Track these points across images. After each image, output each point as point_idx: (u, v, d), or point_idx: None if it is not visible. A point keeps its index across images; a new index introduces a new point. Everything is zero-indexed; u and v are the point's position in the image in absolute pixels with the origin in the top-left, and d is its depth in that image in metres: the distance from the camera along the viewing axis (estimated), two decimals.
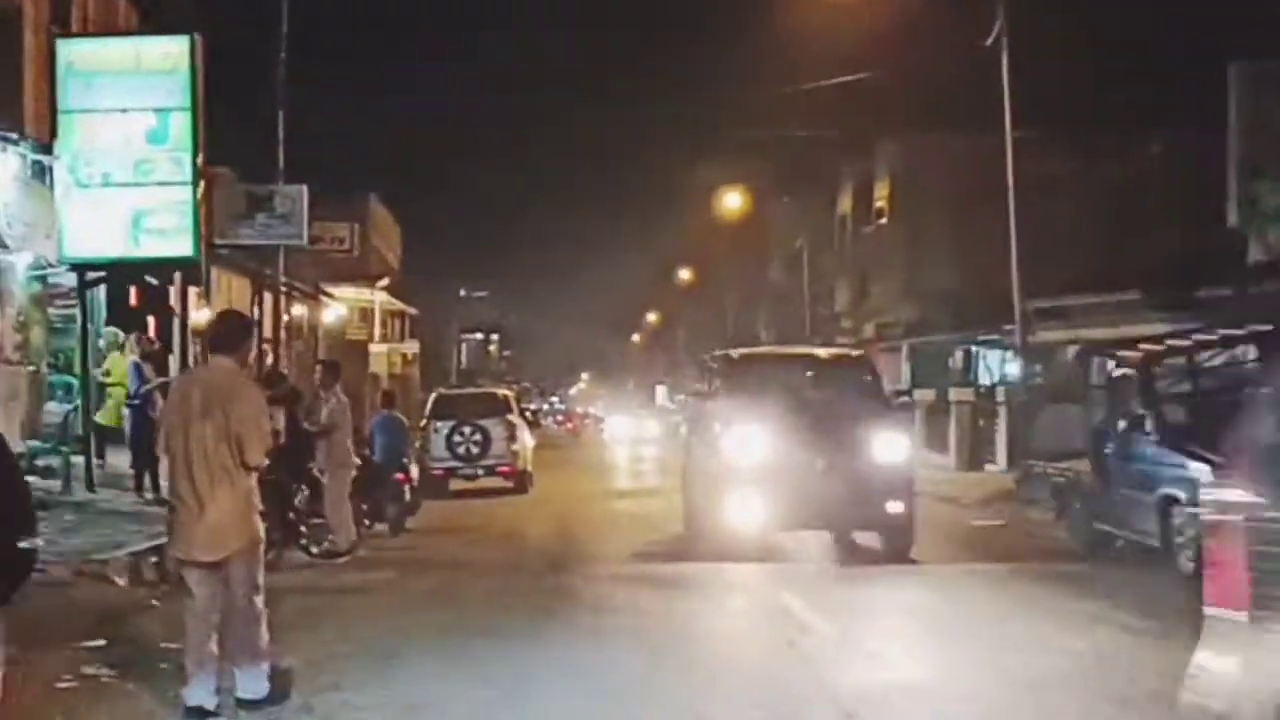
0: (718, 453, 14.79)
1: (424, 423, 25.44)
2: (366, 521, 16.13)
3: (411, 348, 42.09)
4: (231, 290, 26.58)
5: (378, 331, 37.95)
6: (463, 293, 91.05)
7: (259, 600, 7.72)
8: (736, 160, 63.21)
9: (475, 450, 24.94)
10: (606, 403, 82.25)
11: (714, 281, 76.48)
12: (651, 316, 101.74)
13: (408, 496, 18.39)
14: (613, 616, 11.13)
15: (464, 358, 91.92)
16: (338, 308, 34.35)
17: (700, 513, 15.37)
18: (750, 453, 14.31)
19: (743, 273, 70.78)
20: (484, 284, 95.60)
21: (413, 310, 43.22)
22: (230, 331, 7.99)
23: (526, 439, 26.47)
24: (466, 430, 24.92)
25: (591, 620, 10.92)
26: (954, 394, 30.45)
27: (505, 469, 25.25)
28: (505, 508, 22.70)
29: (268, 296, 27.07)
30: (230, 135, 26.55)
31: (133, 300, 21.31)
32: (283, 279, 25.98)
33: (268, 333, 27.09)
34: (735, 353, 18.47)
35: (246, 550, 7.64)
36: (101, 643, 9.60)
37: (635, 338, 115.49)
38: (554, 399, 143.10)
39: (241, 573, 7.61)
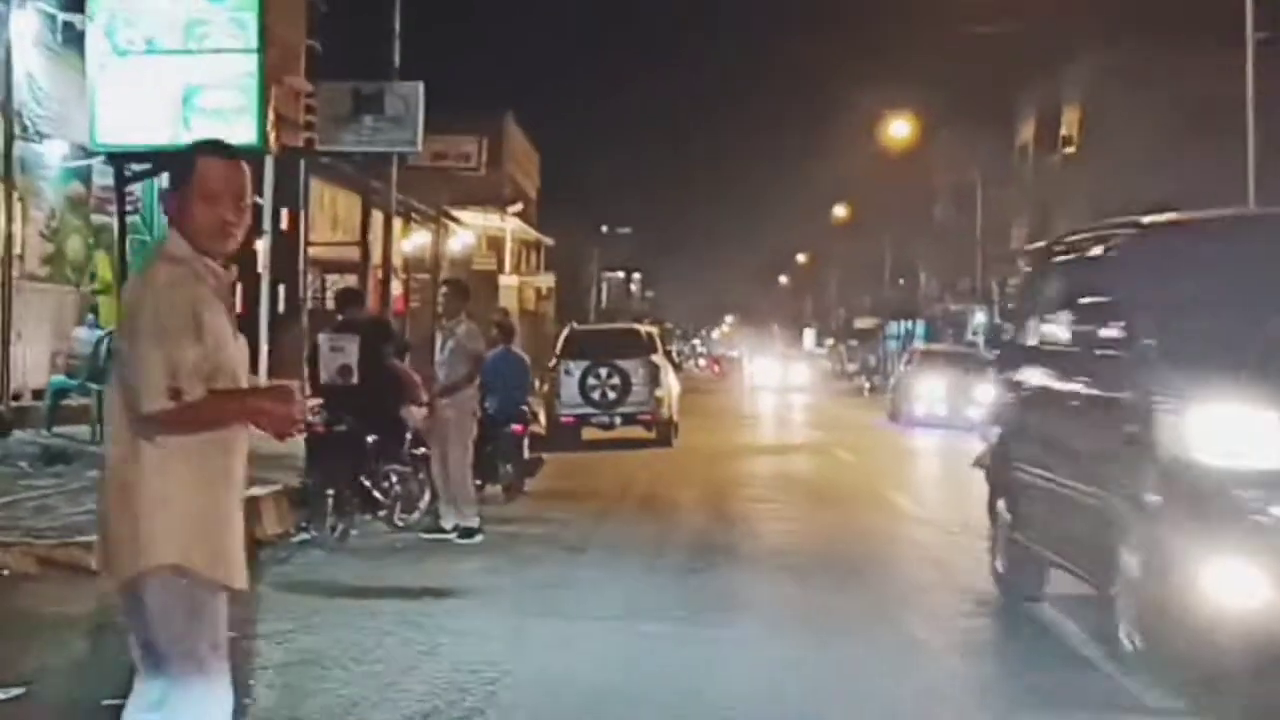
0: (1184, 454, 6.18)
1: (553, 363, 21.91)
2: (477, 481, 12.57)
3: (546, 281, 38.62)
4: (337, 207, 23.26)
5: (508, 263, 34.52)
6: (604, 229, 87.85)
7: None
8: (902, 90, 58.25)
9: (612, 395, 21.34)
10: (751, 346, 78.24)
11: (871, 219, 71.71)
12: (801, 257, 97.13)
13: (526, 453, 14.78)
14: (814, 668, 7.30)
15: (604, 296, 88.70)
16: (464, 234, 30.97)
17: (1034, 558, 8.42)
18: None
19: (904, 210, 65.99)
20: (627, 220, 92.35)
21: (549, 240, 39.65)
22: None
23: (672, 383, 22.74)
24: (603, 372, 21.31)
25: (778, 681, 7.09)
26: None
27: (646, 417, 21.59)
28: (645, 463, 19.06)
29: (378, 216, 23.63)
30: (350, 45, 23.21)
31: None
32: (397, 196, 22.44)
33: (378, 259, 23.74)
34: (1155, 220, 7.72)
35: (148, 587, 3.90)
36: (16, 692, 6.14)
37: (783, 279, 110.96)
38: (696, 342, 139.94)
39: (143, 624, 3.91)
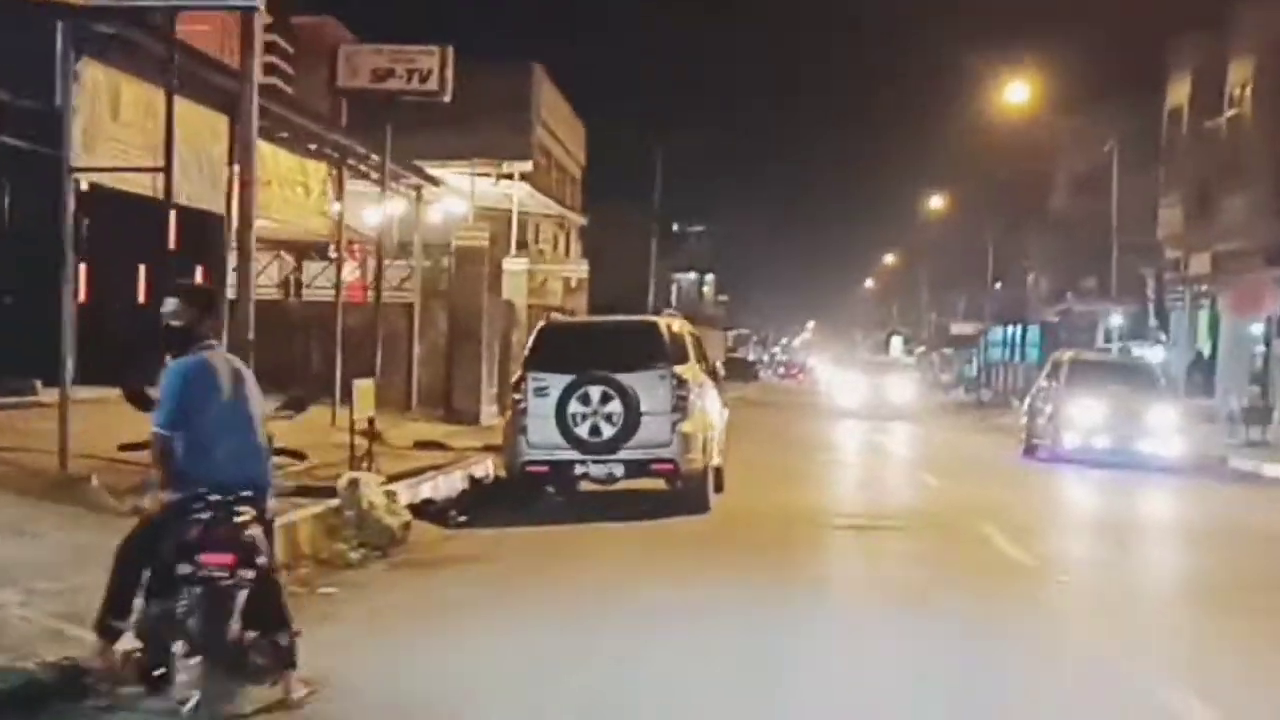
0: None
1: (518, 377, 13.38)
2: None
3: (577, 270, 30.11)
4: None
5: (514, 239, 26.02)
6: (675, 226, 79.40)
7: None
8: (1016, 54, 48.67)
9: (610, 429, 12.80)
10: (835, 354, 69.06)
11: (971, 213, 62.44)
12: (889, 258, 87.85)
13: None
14: None
15: (674, 299, 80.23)
16: (453, 199, 22.61)
17: None
18: None
19: (1011, 201, 56.71)
20: (700, 218, 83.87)
21: (577, 218, 31.06)
22: None
23: (712, 410, 14.07)
24: (595, 392, 12.77)
25: None
26: None
27: (666, 466, 12.99)
28: (649, 555, 10.60)
29: (276, 158, 15.34)
30: None
31: None
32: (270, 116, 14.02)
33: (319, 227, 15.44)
34: None
35: None
36: None
37: (868, 283, 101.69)
38: (776, 349, 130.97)
39: None
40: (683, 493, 13.19)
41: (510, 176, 24.35)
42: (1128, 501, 17.18)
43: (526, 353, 13.37)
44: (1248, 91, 32.73)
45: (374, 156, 18.59)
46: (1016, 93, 43.44)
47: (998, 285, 63.24)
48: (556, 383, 12.92)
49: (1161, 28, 38.28)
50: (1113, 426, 21.17)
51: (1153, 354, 33.84)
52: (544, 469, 13.04)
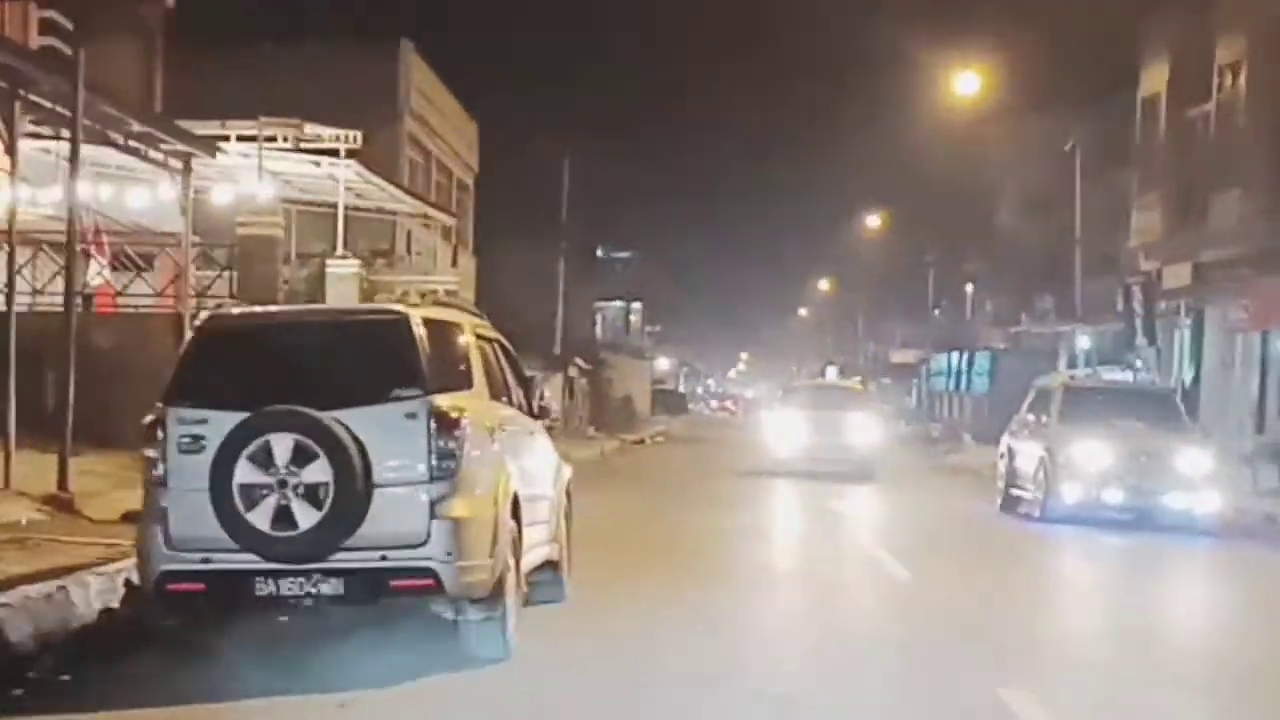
0: None
1: (149, 419, 7.13)
2: None
3: (443, 281, 23.90)
4: None
5: (340, 236, 19.65)
6: (600, 253, 73.54)
7: None
8: (955, 58, 43.20)
9: (308, 514, 6.68)
10: (780, 381, 63.05)
11: (909, 232, 56.98)
12: (823, 284, 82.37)
13: None
14: None
15: (599, 330, 74.27)
16: (240, 176, 16.34)
17: None
18: None
19: (954, 216, 51.24)
20: (625, 245, 78.06)
21: (446, 219, 24.82)
22: None
23: (526, 472, 7.96)
24: (281, 446, 6.67)
25: None
26: None
27: (417, 581, 6.79)
28: None
29: None
30: None
31: None
32: None
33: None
34: None
35: None
36: None
37: (802, 312, 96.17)
38: (709, 381, 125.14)
39: None
40: (459, 628, 7.05)
41: (334, 153, 18.16)
42: (1204, 595, 11.27)
43: (172, 373, 7.12)
44: (1240, 74, 27.27)
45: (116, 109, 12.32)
46: (960, 91, 37.88)
47: (936, 311, 57.84)
48: (218, 427, 6.77)
49: (1125, 17, 32.97)
50: (1128, 475, 15.29)
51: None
52: (196, 586, 6.84)
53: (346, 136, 17.77)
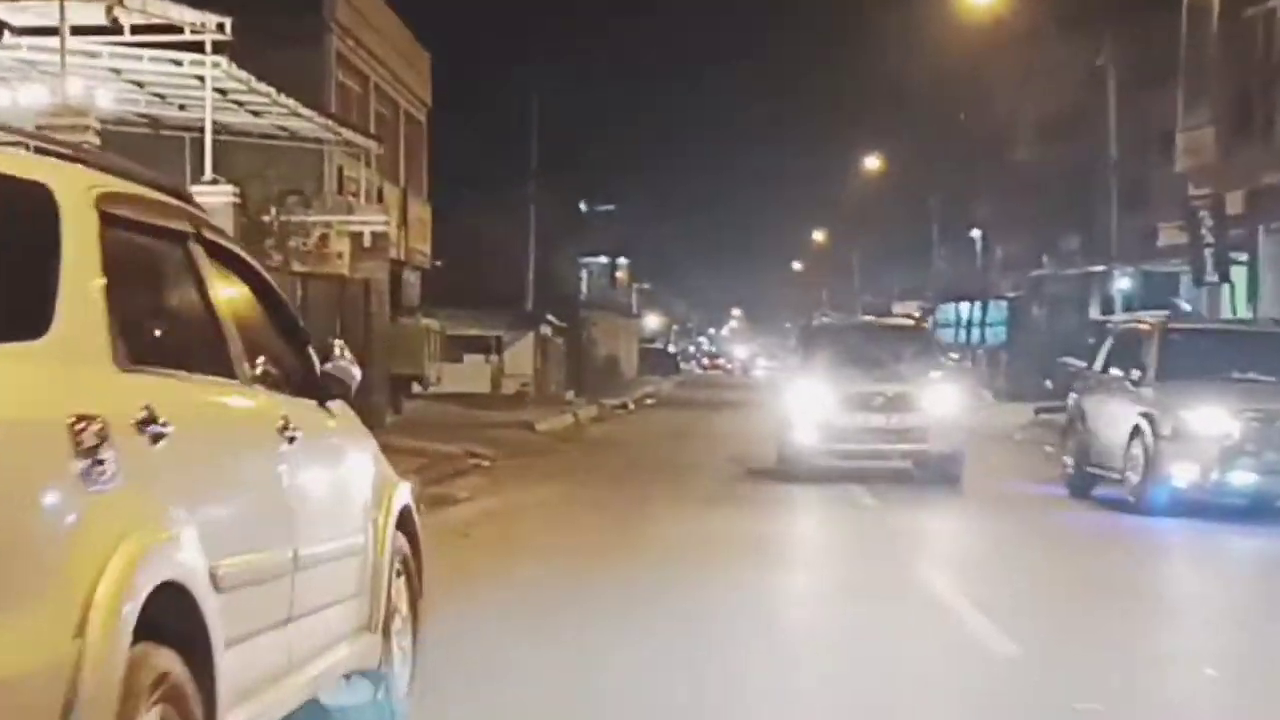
0: None
1: None
2: None
3: (371, 222, 19.37)
4: None
5: (209, 157, 15.07)
6: (583, 206, 69.05)
7: None
8: None
9: None
10: (766, 344, 58.78)
11: (910, 173, 52.41)
12: (818, 235, 77.92)
13: None
14: None
15: (584, 287, 69.99)
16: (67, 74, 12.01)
17: None
18: None
19: (959, 154, 46.71)
20: (610, 198, 73.44)
21: (367, 142, 20.26)
22: None
23: (316, 521, 3.68)
24: None
25: None
26: None
27: None
28: None
29: None
30: None
31: None
32: None
33: None
34: None
35: None
36: None
37: (796, 265, 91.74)
38: (702, 339, 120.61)
39: None
40: None
41: (199, 48, 13.71)
42: None
43: None
44: None
45: None
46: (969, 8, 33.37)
47: (938, 260, 53.41)
48: None
49: None
50: (1265, 448, 10.98)
51: None
52: None
53: (205, 24, 13.31)
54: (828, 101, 79.93)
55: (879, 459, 15.01)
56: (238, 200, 14.08)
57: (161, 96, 16.48)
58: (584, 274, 71.09)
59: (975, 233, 49.09)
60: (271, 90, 14.94)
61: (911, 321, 20.58)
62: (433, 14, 35.00)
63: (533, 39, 72.24)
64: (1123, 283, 27.61)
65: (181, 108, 15.60)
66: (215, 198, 13.99)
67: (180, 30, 13.76)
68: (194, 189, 14.08)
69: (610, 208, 73.44)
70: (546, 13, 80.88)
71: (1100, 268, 28.30)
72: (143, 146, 18.01)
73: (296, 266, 18.26)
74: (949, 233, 52.01)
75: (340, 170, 23.06)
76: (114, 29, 13.59)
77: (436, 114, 32.44)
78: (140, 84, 15.16)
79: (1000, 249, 46.75)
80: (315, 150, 21.98)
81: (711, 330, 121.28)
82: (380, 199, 21.43)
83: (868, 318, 25.69)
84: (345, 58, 24.73)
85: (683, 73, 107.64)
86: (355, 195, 21.83)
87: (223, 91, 15.53)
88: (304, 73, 21.39)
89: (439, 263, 37.73)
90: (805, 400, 14.87)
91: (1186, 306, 25.94)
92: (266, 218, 18.11)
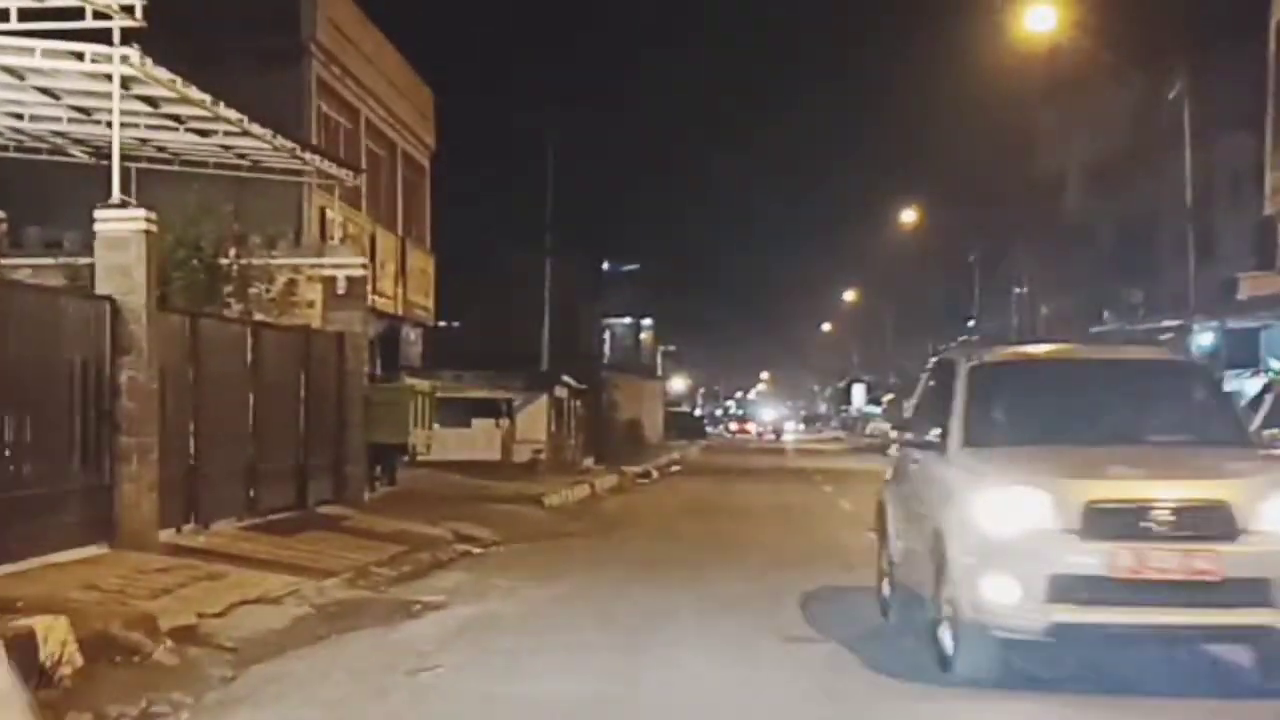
0: None
1: None
2: None
3: (345, 262, 16.36)
4: None
5: (115, 178, 12.24)
6: (606, 265, 66.34)
7: None
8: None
9: None
10: (794, 406, 55.49)
11: (947, 232, 49.48)
12: (849, 295, 74.96)
13: None
14: None
15: (607, 348, 67.12)
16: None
17: None
18: None
19: (998, 210, 43.77)
20: (635, 257, 70.65)
21: (344, 173, 17.31)
22: None
23: None
24: None
25: None
26: None
27: None
28: None
29: None
30: None
31: None
32: None
33: None
34: None
35: None
36: None
37: (825, 326, 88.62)
38: (729, 402, 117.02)
39: None
40: None
41: (106, 38, 10.87)
42: None
43: None
44: None
45: None
46: (1021, 44, 30.55)
47: (970, 322, 50.25)
48: None
49: None
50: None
51: (1251, 386, 20.37)
52: None
53: (111, 5, 10.45)
54: (862, 157, 77.23)
55: (1170, 638, 7.23)
56: (151, 228, 11.08)
57: (86, 111, 13.60)
58: (607, 335, 68.22)
59: (1017, 290, 46.05)
60: (206, 97, 12.03)
61: (1179, 357, 11.01)
62: (447, 63, 32.39)
63: (555, 97, 69.89)
64: (1204, 338, 24.41)
65: (109, 125, 12.69)
66: (120, 224, 11.07)
67: (81, 15, 10.87)
68: (96, 213, 11.13)
69: (634, 267, 70.72)
70: (568, 75, 78.56)
71: (1177, 321, 25.12)
72: (64, 178, 15.23)
73: (259, 316, 15.30)
74: (987, 288, 49.04)
75: (323, 212, 20.23)
76: None
77: (451, 165, 29.74)
78: (54, 95, 12.31)
79: (1045, 306, 43.70)
80: (294, 187, 19.20)
81: (739, 393, 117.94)
82: (373, 245, 18.50)
83: (1089, 348, 11.10)
84: (329, 86, 22.00)
85: (711, 130, 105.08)
86: (333, 238, 18.92)
87: (151, 101, 12.63)
88: (277, 96, 18.70)
89: (456, 323, 34.91)
90: (982, 512, 7.14)
91: (1274, 363, 22.84)
92: (225, 260, 15.23)
